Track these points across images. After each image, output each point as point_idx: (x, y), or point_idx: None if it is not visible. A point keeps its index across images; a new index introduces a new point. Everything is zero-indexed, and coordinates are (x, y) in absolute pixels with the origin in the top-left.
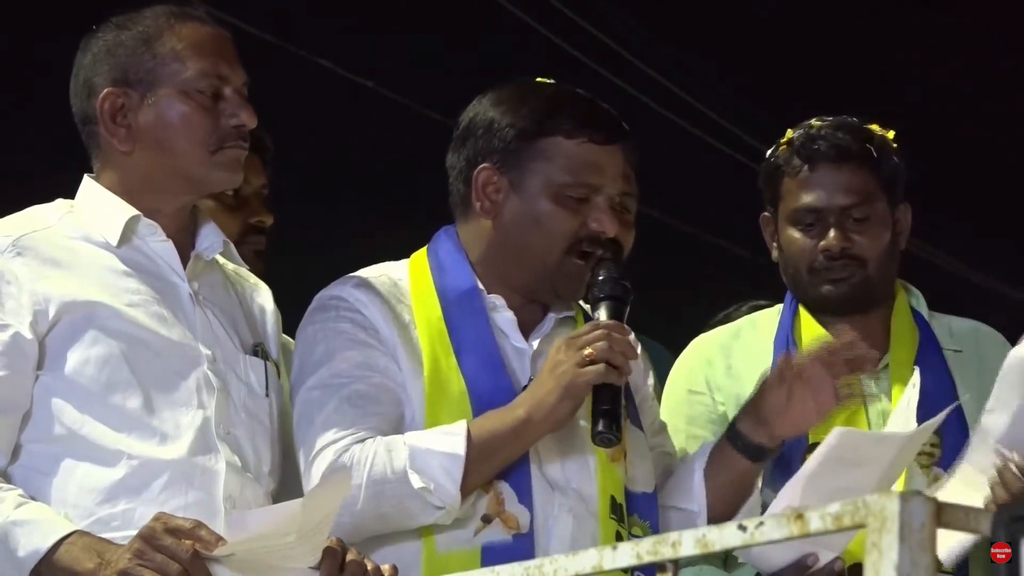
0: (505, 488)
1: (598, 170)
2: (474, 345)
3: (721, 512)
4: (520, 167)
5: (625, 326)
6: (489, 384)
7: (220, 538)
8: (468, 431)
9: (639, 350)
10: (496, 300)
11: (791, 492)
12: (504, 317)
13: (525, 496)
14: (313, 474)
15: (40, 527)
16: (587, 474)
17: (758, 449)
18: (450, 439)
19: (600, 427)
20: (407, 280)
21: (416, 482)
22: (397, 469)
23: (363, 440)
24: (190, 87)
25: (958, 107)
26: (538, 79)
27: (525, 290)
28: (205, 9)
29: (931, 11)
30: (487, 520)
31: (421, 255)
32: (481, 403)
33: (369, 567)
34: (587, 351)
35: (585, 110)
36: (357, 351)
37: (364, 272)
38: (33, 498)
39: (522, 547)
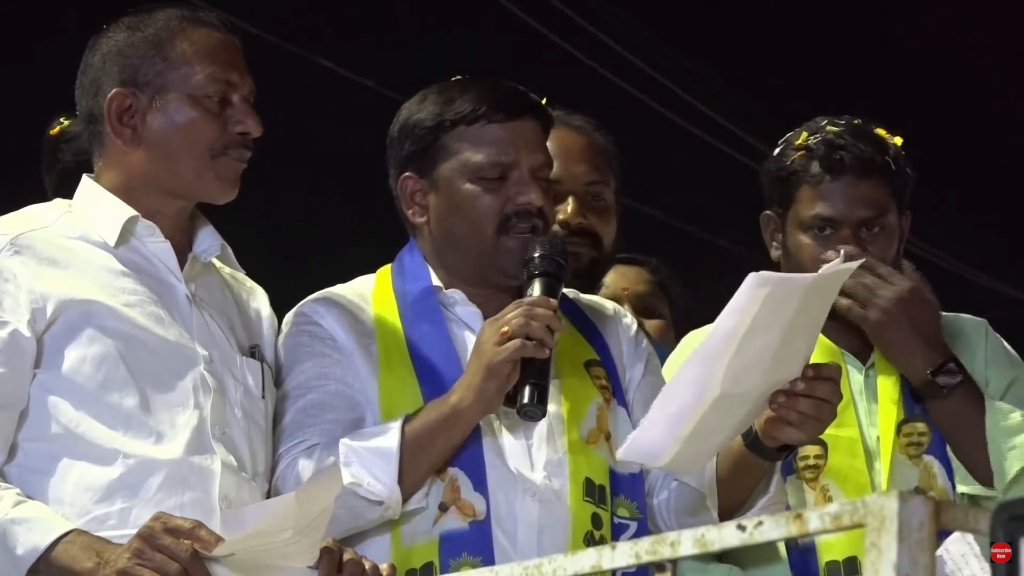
0: (460, 476)
1: (506, 147)
2: (427, 342)
3: (729, 502)
4: (434, 166)
5: (551, 300)
6: (442, 378)
7: (219, 538)
8: (403, 425)
9: (630, 332)
10: (455, 295)
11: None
12: (467, 311)
13: (480, 483)
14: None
15: (39, 525)
16: (556, 458)
17: (766, 449)
18: (384, 434)
19: (524, 400)
20: (372, 290)
21: (346, 478)
22: None
23: (311, 447)
24: (199, 92)
25: (959, 106)
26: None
27: (479, 279)
28: (217, 14)
29: (932, 10)
30: (444, 508)
31: (388, 267)
32: (434, 398)
33: (367, 566)
34: (504, 328)
35: (478, 93)
36: (312, 362)
37: (335, 287)
38: (30, 497)
39: (479, 534)
